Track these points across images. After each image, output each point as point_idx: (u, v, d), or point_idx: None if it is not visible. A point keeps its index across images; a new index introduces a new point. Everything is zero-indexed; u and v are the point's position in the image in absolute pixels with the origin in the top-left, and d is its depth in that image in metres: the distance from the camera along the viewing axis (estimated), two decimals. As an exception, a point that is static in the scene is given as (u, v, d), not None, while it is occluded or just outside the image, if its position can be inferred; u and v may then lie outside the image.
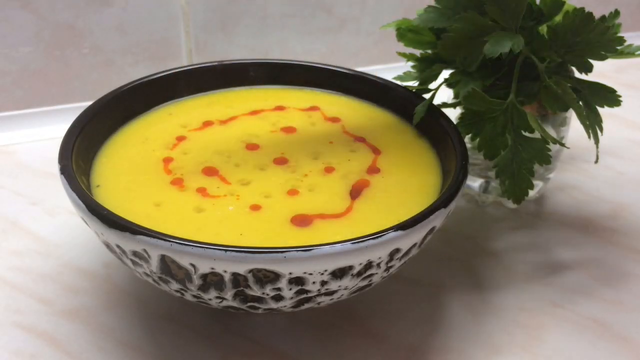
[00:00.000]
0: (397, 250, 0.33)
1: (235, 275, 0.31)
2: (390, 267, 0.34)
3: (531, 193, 0.44)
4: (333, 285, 0.33)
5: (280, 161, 0.41)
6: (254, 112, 0.46)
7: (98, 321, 0.39)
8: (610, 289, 0.43)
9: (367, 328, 0.39)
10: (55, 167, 0.36)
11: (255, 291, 0.32)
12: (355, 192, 0.38)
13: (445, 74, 0.44)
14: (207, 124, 0.44)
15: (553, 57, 0.41)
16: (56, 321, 0.39)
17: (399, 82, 0.46)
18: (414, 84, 0.46)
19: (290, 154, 0.42)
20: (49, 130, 0.57)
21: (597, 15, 0.42)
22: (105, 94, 0.43)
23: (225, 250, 0.30)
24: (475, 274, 0.43)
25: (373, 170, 0.41)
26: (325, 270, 0.32)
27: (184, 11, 0.59)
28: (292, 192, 0.38)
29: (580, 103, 0.41)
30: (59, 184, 0.35)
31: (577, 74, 0.43)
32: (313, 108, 0.46)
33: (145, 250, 0.32)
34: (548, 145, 0.41)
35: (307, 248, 0.31)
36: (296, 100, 0.47)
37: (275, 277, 0.31)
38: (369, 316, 0.40)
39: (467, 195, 0.49)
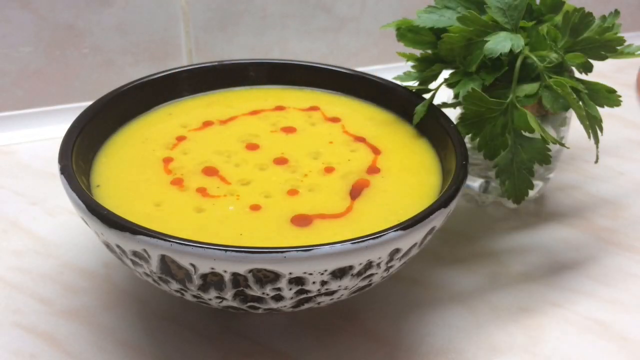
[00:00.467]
0: (397, 250, 0.33)
1: (235, 275, 0.31)
2: (390, 267, 0.34)
3: (531, 193, 0.44)
4: (333, 285, 0.33)
5: (280, 161, 0.41)
6: (254, 112, 0.46)
7: (98, 321, 0.39)
8: (610, 289, 0.43)
9: (367, 328, 0.39)
10: (55, 167, 0.36)
11: (255, 291, 0.32)
12: (355, 192, 0.39)
13: (445, 74, 0.44)
14: (207, 124, 0.44)
15: (553, 57, 0.41)
16: (56, 321, 0.39)
17: (399, 82, 0.46)
18: (414, 84, 0.46)
19: (290, 154, 0.42)
20: (49, 130, 0.57)
21: (597, 15, 0.42)
22: (105, 94, 0.43)
23: (225, 250, 0.30)
24: (475, 274, 0.43)
25: (373, 170, 0.41)
26: (325, 270, 0.32)
27: (184, 11, 0.59)
28: (292, 192, 0.38)
29: (581, 103, 0.41)
30: (59, 184, 0.35)
31: (577, 74, 0.43)
32: (313, 108, 0.46)
33: (145, 250, 0.32)
34: (548, 145, 0.41)
35: (307, 248, 0.31)
36: (296, 100, 0.47)
37: (275, 277, 0.31)
38: (369, 316, 0.40)
39: (467, 195, 0.49)
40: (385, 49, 0.67)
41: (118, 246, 0.33)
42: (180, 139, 0.43)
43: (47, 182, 0.51)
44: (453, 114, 0.44)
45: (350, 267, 0.32)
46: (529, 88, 0.41)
